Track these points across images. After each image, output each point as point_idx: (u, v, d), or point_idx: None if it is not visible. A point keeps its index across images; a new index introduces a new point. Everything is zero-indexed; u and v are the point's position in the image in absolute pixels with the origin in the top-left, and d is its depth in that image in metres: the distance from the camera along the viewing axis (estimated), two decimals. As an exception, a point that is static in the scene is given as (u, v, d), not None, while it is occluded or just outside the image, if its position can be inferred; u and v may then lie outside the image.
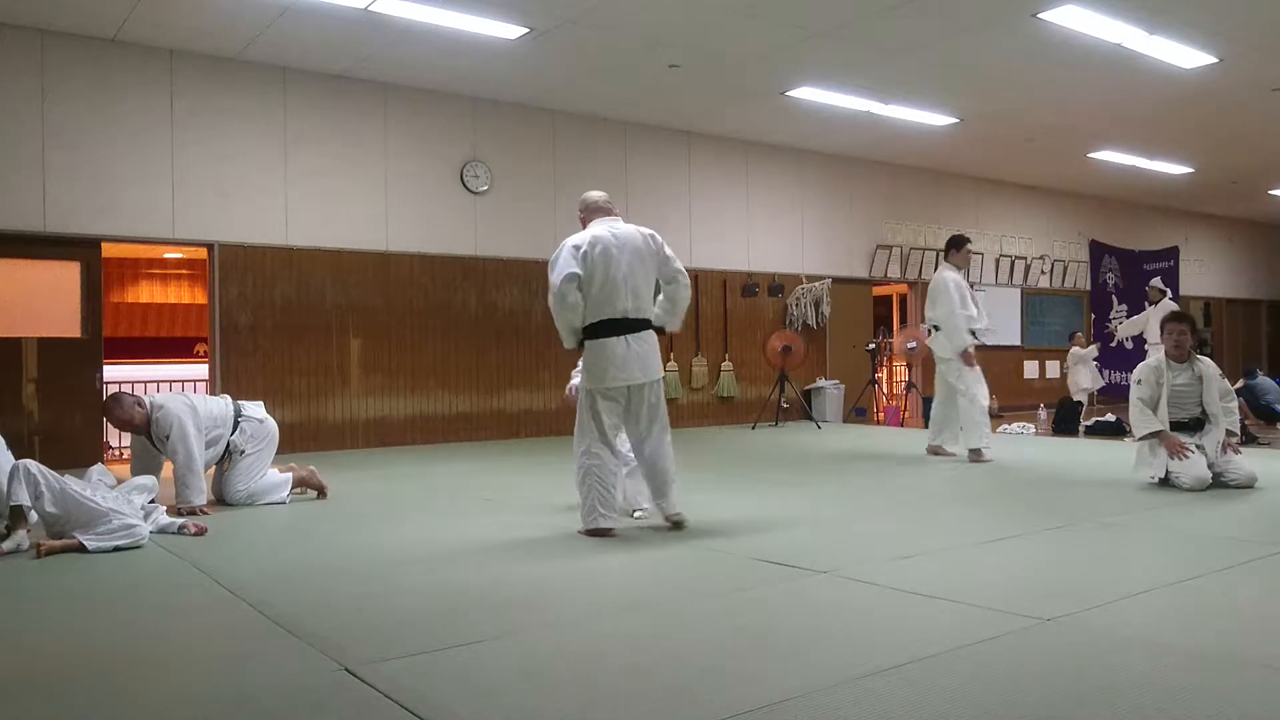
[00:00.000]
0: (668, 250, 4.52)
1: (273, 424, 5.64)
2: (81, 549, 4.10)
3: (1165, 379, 5.79)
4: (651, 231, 4.49)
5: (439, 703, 2.27)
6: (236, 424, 5.45)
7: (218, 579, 3.62)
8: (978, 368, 7.25)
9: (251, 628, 2.98)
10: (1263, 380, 10.96)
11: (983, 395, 7.21)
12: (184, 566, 3.87)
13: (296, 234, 8.50)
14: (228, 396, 5.68)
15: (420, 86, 9.10)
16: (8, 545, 4.14)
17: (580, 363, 4.55)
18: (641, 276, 4.37)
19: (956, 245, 7.58)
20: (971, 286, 7.51)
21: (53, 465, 4.41)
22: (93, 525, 4.18)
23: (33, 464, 4.26)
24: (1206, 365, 5.86)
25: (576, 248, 4.31)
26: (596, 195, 4.59)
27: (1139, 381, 5.88)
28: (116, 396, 5.27)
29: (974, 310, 7.32)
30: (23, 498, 4.17)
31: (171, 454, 5.14)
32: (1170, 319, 5.92)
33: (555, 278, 4.30)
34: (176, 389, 9.02)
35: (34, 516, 4.28)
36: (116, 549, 4.15)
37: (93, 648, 2.82)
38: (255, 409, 5.63)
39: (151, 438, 5.23)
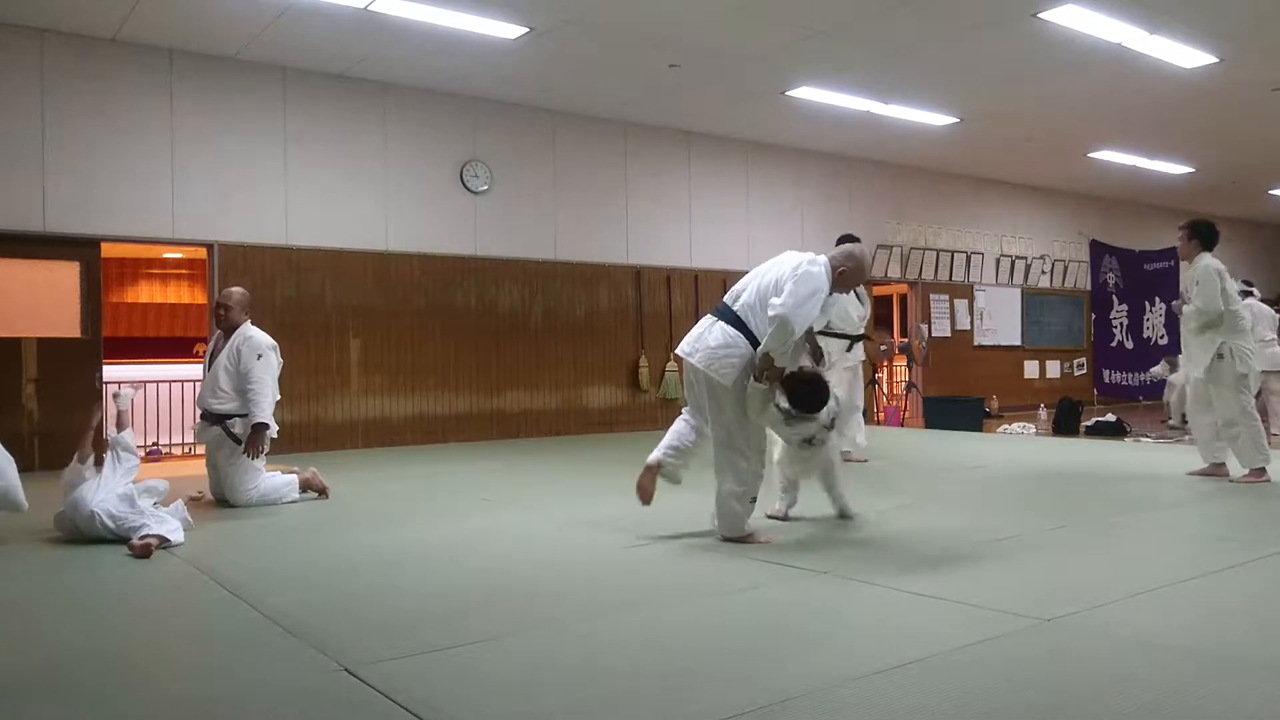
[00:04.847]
0: (788, 287, 4.05)
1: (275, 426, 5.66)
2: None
3: None
4: (800, 267, 4.09)
5: (439, 703, 2.27)
6: None
7: (218, 579, 3.62)
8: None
9: (251, 628, 2.98)
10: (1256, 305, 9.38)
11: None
12: (184, 566, 3.87)
13: (296, 234, 8.50)
14: None
15: (420, 86, 9.09)
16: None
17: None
18: (755, 287, 4.17)
19: None
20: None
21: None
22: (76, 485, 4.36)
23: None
24: (1201, 268, 5.74)
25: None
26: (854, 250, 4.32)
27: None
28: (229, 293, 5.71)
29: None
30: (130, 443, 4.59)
31: (245, 373, 5.47)
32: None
33: None
34: (176, 389, 9.05)
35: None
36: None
37: (92, 648, 2.81)
38: None
39: (224, 347, 5.57)
